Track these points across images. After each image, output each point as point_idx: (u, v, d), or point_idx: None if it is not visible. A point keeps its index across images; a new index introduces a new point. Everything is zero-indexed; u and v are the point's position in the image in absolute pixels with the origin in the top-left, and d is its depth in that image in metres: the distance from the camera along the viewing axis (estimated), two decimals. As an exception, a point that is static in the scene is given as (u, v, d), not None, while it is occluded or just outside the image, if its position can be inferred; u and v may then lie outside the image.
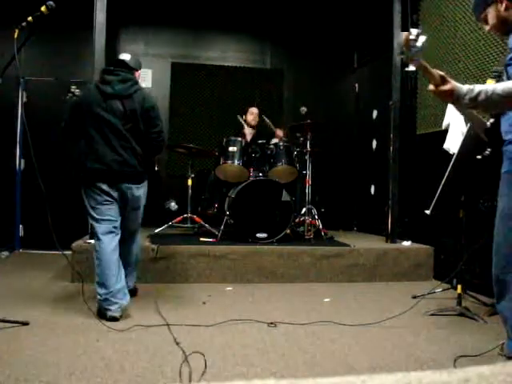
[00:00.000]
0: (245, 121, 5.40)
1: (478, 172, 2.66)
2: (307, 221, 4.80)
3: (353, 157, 6.37)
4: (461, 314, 3.01)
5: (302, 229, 4.86)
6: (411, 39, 1.83)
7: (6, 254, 5.03)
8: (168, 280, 3.88)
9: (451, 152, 3.57)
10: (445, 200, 2.85)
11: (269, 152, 4.77)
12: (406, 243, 4.48)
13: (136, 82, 3.08)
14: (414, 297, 3.37)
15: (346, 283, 4.05)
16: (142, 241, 4.21)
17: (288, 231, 4.54)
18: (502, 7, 2.04)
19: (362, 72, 6.32)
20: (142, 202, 3.16)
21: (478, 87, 1.87)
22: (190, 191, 5.01)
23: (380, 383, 0.44)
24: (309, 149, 4.88)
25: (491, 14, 2.10)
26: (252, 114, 5.43)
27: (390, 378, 0.45)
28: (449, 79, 1.90)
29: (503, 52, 3.59)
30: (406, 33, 1.84)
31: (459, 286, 3.12)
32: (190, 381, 1.95)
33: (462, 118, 3.37)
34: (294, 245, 4.31)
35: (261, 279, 4.02)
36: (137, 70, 3.20)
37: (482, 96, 1.85)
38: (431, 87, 1.89)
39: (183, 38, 6.38)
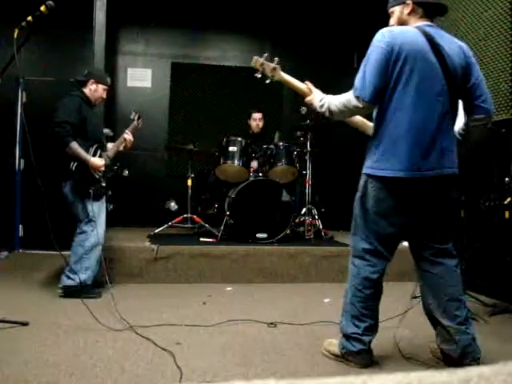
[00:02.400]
0: (249, 126, 5.36)
1: (479, 172, 2.66)
2: (307, 221, 4.80)
3: (353, 157, 6.36)
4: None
5: (301, 229, 4.86)
6: (263, 62, 2.43)
7: (5, 253, 5.03)
8: (168, 280, 3.88)
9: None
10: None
11: (269, 152, 4.77)
12: (406, 243, 4.47)
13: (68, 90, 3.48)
14: (414, 297, 3.37)
15: (345, 283, 4.04)
16: (142, 241, 4.23)
17: (288, 231, 4.54)
18: (407, 11, 2.12)
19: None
20: (70, 198, 3.36)
21: (325, 98, 2.20)
22: (189, 191, 5.00)
23: (380, 383, 0.44)
24: (309, 149, 4.89)
25: (395, 14, 2.18)
26: (255, 121, 5.30)
27: (391, 378, 0.45)
28: (313, 89, 2.34)
29: (504, 52, 3.59)
30: (255, 57, 2.44)
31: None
32: (189, 381, 1.95)
33: (460, 117, 3.39)
34: (294, 245, 4.31)
35: (261, 279, 4.02)
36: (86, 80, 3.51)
37: (325, 106, 2.18)
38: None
39: (183, 38, 6.38)
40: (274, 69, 2.47)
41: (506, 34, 3.56)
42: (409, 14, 2.12)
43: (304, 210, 4.88)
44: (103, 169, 3.42)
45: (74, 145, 3.27)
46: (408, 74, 2.00)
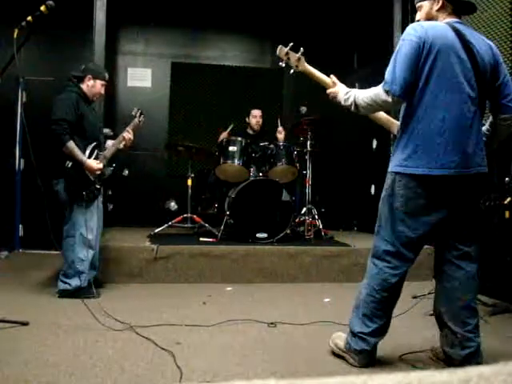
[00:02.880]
0: (248, 124, 5.36)
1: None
2: (307, 221, 4.80)
3: (353, 157, 6.37)
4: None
5: (301, 229, 4.86)
6: (288, 51, 2.42)
7: (5, 253, 5.03)
8: (168, 280, 3.88)
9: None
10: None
11: (269, 152, 4.77)
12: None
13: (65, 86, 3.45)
14: (414, 297, 3.37)
15: (345, 283, 4.05)
16: (142, 241, 4.23)
17: (288, 231, 4.54)
18: (437, 6, 2.10)
19: (362, 72, 6.33)
20: (61, 197, 3.32)
21: (351, 91, 2.18)
22: (189, 191, 5.00)
23: (381, 383, 0.44)
24: (309, 149, 4.89)
25: (424, 9, 2.15)
26: (255, 118, 5.30)
27: (391, 378, 0.45)
28: (337, 82, 2.32)
29: (504, 52, 3.59)
30: (280, 46, 2.45)
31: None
32: (189, 381, 1.95)
33: None
34: (294, 245, 4.30)
35: (261, 279, 4.02)
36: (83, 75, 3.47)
37: (350, 100, 2.15)
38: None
39: (183, 38, 6.38)
40: (299, 59, 2.42)
41: (506, 33, 3.57)
42: (438, 9, 2.09)
43: (304, 209, 4.88)
44: (98, 172, 3.35)
45: (71, 144, 3.21)
46: (440, 70, 1.97)
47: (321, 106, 6.12)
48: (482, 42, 2.08)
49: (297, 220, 4.88)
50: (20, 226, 5.42)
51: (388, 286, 2.12)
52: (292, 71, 2.46)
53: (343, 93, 2.22)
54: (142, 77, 6.28)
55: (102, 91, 3.54)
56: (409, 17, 4.84)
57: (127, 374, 2.01)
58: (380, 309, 2.13)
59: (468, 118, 2.01)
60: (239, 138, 4.72)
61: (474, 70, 2.01)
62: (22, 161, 5.41)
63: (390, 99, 2.00)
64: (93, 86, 3.45)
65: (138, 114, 3.73)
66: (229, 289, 3.76)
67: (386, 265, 2.12)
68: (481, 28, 3.82)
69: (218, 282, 3.92)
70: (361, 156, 6.24)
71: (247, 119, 5.38)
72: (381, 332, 2.16)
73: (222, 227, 4.42)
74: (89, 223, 3.32)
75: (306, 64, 2.44)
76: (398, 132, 2.18)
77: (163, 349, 2.31)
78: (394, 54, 2.04)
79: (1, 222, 5.21)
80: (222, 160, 4.63)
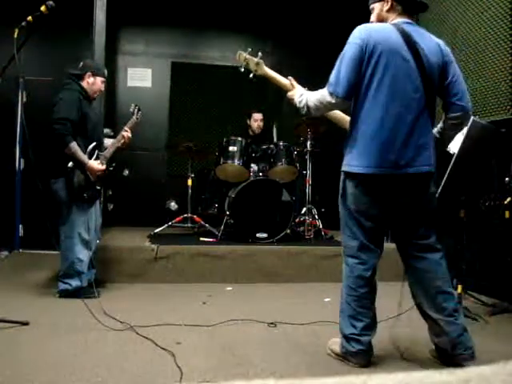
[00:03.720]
0: (249, 126, 5.37)
1: (479, 172, 2.66)
2: (307, 221, 4.80)
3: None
4: (461, 314, 3.01)
5: (301, 229, 4.86)
6: (247, 56, 2.46)
7: (5, 253, 5.03)
8: (168, 280, 3.88)
9: (451, 152, 3.57)
10: (445, 200, 2.87)
11: (269, 152, 4.77)
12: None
13: (65, 84, 3.39)
14: (414, 297, 3.37)
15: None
16: (142, 241, 4.24)
17: (288, 231, 4.54)
18: (386, 7, 2.15)
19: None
20: (59, 197, 3.26)
21: (304, 94, 2.24)
22: (189, 191, 5.00)
23: (381, 383, 0.44)
24: (309, 149, 4.89)
25: (375, 11, 2.21)
26: (256, 121, 5.32)
27: (391, 378, 0.45)
28: (295, 85, 2.38)
29: (503, 52, 3.59)
30: (239, 52, 2.48)
31: (459, 286, 3.12)
32: (189, 381, 1.95)
33: None
34: (294, 245, 4.31)
35: (261, 279, 4.02)
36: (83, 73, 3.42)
37: (303, 102, 2.21)
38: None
39: (183, 38, 6.38)
40: (258, 63, 2.49)
41: (506, 33, 3.57)
42: (388, 10, 2.14)
43: (304, 209, 4.88)
44: (100, 174, 3.34)
45: (74, 146, 3.19)
46: (382, 71, 2.02)
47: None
48: (430, 42, 2.11)
49: (297, 220, 4.88)
50: (20, 226, 5.42)
51: (363, 281, 2.17)
52: (252, 75, 2.53)
53: (298, 95, 2.29)
54: (142, 77, 6.27)
55: (102, 88, 3.51)
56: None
57: (127, 374, 2.01)
58: (362, 306, 2.18)
59: (408, 119, 2.05)
60: (239, 138, 4.72)
61: (420, 70, 2.05)
62: (22, 161, 5.41)
63: (334, 100, 2.08)
64: (93, 83, 3.41)
65: (135, 111, 3.74)
66: (229, 289, 3.76)
67: (356, 261, 2.19)
68: (481, 28, 3.82)
69: (218, 282, 3.92)
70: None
71: (248, 121, 5.38)
72: (370, 328, 2.19)
73: (222, 227, 4.42)
74: (87, 223, 3.32)
75: (265, 68, 2.50)
76: None
77: (163, 349, 2.31)
78: (339, 57, 2.11)
79: (1, 222, 5.21)
80: (222, 160, 4.63)
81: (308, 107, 2.20)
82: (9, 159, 5.35)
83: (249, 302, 3.39)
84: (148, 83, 6.27)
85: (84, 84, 3.40)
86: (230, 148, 4.62)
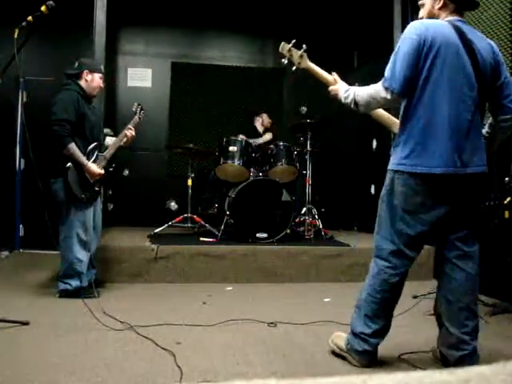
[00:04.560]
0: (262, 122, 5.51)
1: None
2: (307, 221, 4.79)
3: (353, 157, 6.37)
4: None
5: (302, 229, 4.86)
6: (291, 48, 2.42)
7: (6, 253, 5.03)
8: (168, 280, 3.88)
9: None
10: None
11: (269, 152, 4.77)
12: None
13: (64, 84, 3.39)
14: (415, 297, 3.37)
15: (345, 283, 4.05)
16: (142, 241, 4.23)
17: (288, 231, 4.54)
18: (438, 5, 2.09)
19: (362, 72, 6.32)
20: (58, 197, 3.26)
21: (351, 89, 2.18)
22: (190, 191, 5.00)
23: (380, 383, 0.44)
24: (309, 149, 4.89)
25: (426, 7, 2.15)
26: (264, 121, 5.61)
27: (391, 378, 0.45)
28: (338, 80, 2.32)
29: (504, 52, 3.59)
30: (283, 43, 2.45)
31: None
32: (189, 381, 1.95)
33: None
34: (294, 245, 4.30)
35: (261, 279, 4.02)
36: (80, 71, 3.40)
37: (350, 97, 2.15)
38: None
39: (183, 38, 6.38)
40: (301, 56, 2.43)
41: (506, 33, 3.57)
42: (440, 8, 2.08)
43: (304, 209, 4.88)
44: (98, 177, 3.34)
45: (73, 146, 3.19)
46: (440, 67, 1.96)
47: (321, 106, 6.15)
48: (483, 41, 2.07)
49: (297, 220, 4.88)
50: (20, 226, 5.42)
51: (389, 286, 2.11)
52: (294, 68, 2.46)
53: (343, 90, 2.21)
54: (142, 77, 6.28)
55: (102, 84, 3.48)
56: (409, 16, 4.83)
57: (127, 374, 2.01)
58: (381, 309, 2.12)
59: (466, 117, 1.99)
60: (239, 138, 4.73)
61: (475, 68, 2.00)
62: (22, 161, 5.41)
63: (389, 96, 2.00)
64: (91, 80, 3.39)
65: (138, 110, 3.74)
66: (229, 289, 3.76)
67: (387, 264, 2.11)
68: (481, 28, 3.82)
69: (218, 282, 3.92)
70: (361, 156, 6.24)
71: (258, 119, 5.50)
72: (382, 333, 2.16)
73: (222, 227, 4.42)
74: (86, 224, 3.31)
75: (308, 61, 2.44)
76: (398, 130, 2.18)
77: (163, 349, 2.31)
78: (394, 52, 2.04)
79: (1, 222, 5.21)
80: (222, 160, 4.63)
81: (356, 103, 2.12)
82: (9, 159, 5.35)
83: (249, 302, 3.39)
84: (148, 83, 6.27)
85: (82, 83, 3.38)
86: (230, 148, 4.62)
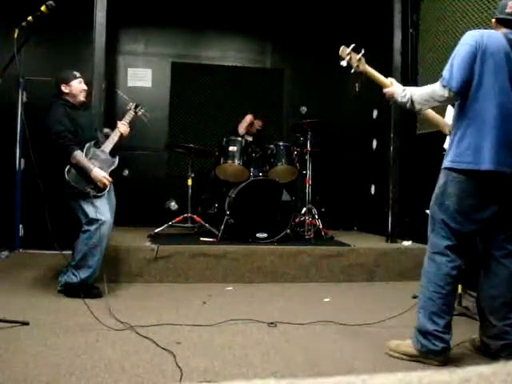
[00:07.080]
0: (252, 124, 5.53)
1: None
2: (307, 221, 4.80)
3: (353, 157, 6.37)
4: (461, 314, 3.01)
5: (302, 229, 4.86)
6: (350, 51, 2.56)
7: (6, 253, 5.03)
8: (168, 280, 3.88)
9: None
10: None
11: (269, 152, 4.78)
12: (407, 243, 4.48)
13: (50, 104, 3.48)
14: (414, 297, 3.36)
15: (345, 283, 4.05)
16: (142, 241, 4.24)
17: (288, 231, 4.54)
18: (493, 25, 2.28)
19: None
20: (70, 203, 3.37)
21: (408, 89, 2.31)
22: (190, 191, 5.00)
23: (380, 383, 0.44)
24: (309, 149, 4.89)
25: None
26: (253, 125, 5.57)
27: (391, 378, 0.45)
28: (394, 82, 2.44)
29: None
30: (343, 46, 2.61)
31: (459, 286, 3.12)
32: (189, 380, 1.95)
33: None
34: (294, 245, 4.30)
35: (261, 279, 4.02)
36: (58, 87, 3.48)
37: (407, 96, 2.27)
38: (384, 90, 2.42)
39: (183, 38, 6.38)
40: (359, 60, 2.55)
41: None
42: (495, 26, 2.27)
43: (304, 209, 4.88)
44: (104, 181, 3.36)
45: (78, 153, 3.31)
46: (492, 72, 2.10)
47: (321, 106, 6.15)
48: None
49: (297, 220, 4.88)
50: (20, 225, 5.42)
51: (451, 279, 2.21)
52: (353, 70, 2.58)
53: (400, 90, 2.35)
54: (142, 77, 6.27)
55: (84, 86, 3.53)
56: (408, 17, 4.84)
57: (127, 374, 2.01)
58: (447, 304, 2.22)
59: None
60: (239, 138, 4.73)
61: None
62: (22, 161, 5.41)
63: (446, 94, 2.14)
64: (71, 89, 3.48)
65: (132, 108, 3.85)
66: (229, 289, 3.76)
67: (446, 259, 2.22)
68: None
69: (217, 282, 3.93)
70: (361, 156, 6.25)
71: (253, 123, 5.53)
72: (450, 326, 2.24)
73: (222, 227, 4.42)
74: (100, 210, 3.34)
75: (366, 65, 2.56)
76: (450, 131, 2.32)
77: (163, 349, 2.31)
78: (452, 55, 2.19)
79: (1, 221, 5.21)
80: (222, 160, 4.63)
81: (412, 101, 2.26)
82: (9, 159, 5.35)
83: (249, 302, 3.39)
84: (148, 83, 6.27)
85: (65, 96, 3.49)
86: (230, 148, 4.62)
